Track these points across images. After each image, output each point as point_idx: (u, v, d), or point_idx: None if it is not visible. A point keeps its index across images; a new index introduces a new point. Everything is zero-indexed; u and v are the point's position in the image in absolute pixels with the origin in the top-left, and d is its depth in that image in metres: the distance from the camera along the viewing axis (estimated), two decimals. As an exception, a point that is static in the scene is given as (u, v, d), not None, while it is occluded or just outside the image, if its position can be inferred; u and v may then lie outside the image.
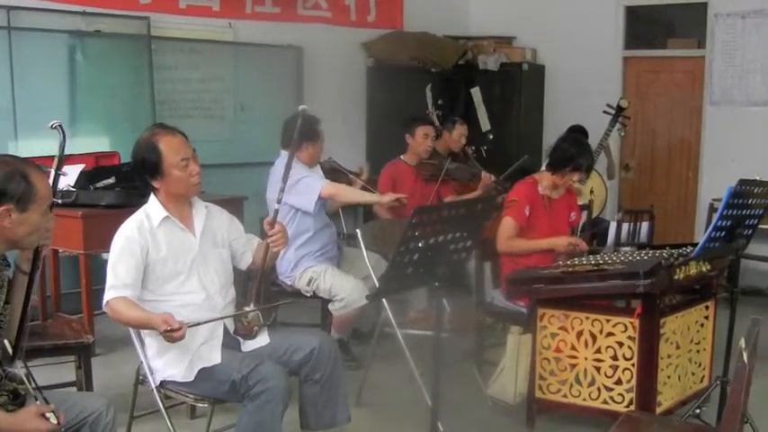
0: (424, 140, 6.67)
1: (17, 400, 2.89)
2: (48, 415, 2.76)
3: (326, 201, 5.46)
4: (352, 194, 5.64)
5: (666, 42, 9.26)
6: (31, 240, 2.94)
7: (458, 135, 7.38)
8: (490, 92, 9.30)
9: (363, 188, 5.83)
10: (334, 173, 5.98)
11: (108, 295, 3.56)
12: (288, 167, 4.00)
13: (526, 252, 5.13)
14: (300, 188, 5.25)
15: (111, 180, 5.93)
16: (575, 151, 5.12)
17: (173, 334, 3.33)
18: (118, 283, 3.55)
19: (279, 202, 3.93)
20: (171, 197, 3.72)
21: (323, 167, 5.80)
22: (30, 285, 3.08)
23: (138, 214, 3.72)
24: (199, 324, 3.52)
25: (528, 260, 5.09)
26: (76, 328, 4.64)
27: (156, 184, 3.69)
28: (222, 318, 3.70)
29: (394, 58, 9.22)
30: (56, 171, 3.14)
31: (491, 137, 9.23)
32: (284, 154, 5.38)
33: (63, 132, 3.28)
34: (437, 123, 7.58)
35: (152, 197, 3.75)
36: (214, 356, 3.63)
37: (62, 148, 3.24)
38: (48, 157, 6.49)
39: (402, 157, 6.79)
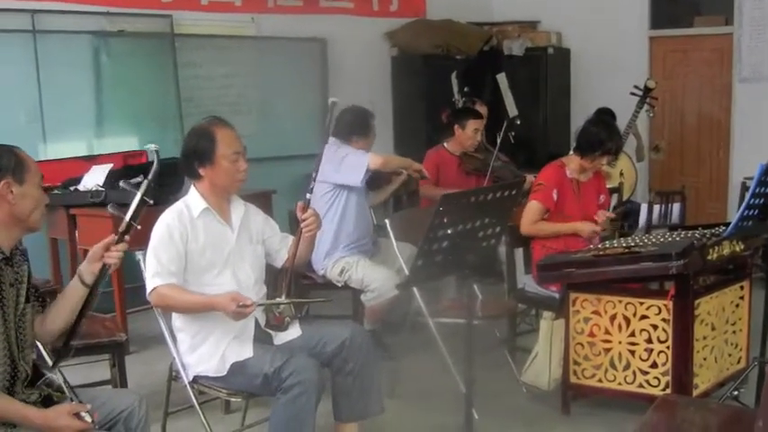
0: (474, 135, 6.67)
1: (47, 405, 2.90)
2: (82, 414, 2.78)
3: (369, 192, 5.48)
4: (398, 160, 5.66)
5: (693, 20, 9.14)
6: (35, 217, 2.93)
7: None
8: (516, 77, 9.20)
9: (396, 192, 5.85)
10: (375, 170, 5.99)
11: (153, 282, 3.57)
12: (318, 160, 4.00)
13: (549, 235, 5.11)
14: (348, 163, 5.27)
15: (140, 179, 5.92)
16: (604, 135, 5.07)
17: (245, 309, 3.41)
18: (163, 270, 3.56)
19: (311, 192, 3.91)
20: (214, 189, 3.74)
21: None
22: (89, 300, 3.07)
23: (178, 204, 3.74)
24: (265, 304, 3.66)
25: (558, 245, 5.06)
26: (110, 326, 4.66)
27: (203, 171, 3.70)
28: (276, 302, 3.71)
29: (418, 46, 9.19)
30: (142, 196, 3.06)
31: (518, 122, 9.16)
32: (332, 140, 5.41)
33: (158, 158, 3.20)
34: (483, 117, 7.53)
35: (192, 189, 3.77)
36: (246, 350, 3.63)
37: (154, 173, 3.14)
38: (76, 158, 6.65)
39: (445, 144, 6.77)
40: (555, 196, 5.07)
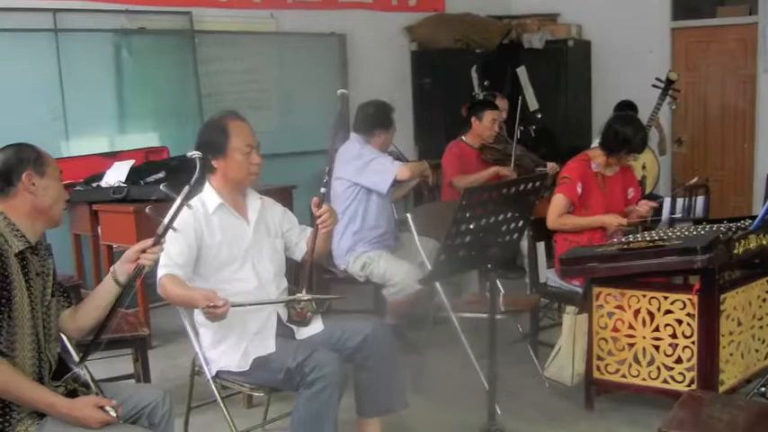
0: (492, 125, 6.67)
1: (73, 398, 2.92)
2: (107, 408, 2.80)
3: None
4: (419, 167, 5.59)
5: (716, 10, 9.08)
6: (56, 210, 2.99)
7: (500, 108, 7.32)
8: (536, 70, 9.18)
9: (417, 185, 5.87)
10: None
11: (159, 273, 3.57)
12: (331, 153, 3.99)
13: (576, 229, 5.08)
14: (374, 168, 5.29)
15: (161, 174, 5.96)
16: (630, 133, 5.03)
17: (215, 310, 3.29)
18: (170, 262, 3.55)
19: (325, 186, 3.90)
20: (227, 183, 3.74)
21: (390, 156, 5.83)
22: (121, 298, 3.09)
23: (194, 201, 3.73)
24: (243, 305, 3.50)
25: (581, 238, 5.03)
26: (132, 321, 4.69)
27: (216, 163, 3.70)
28: (270, 302, 3.68)
29: (437, 41, 9.18)
30: (182, 201, 3.09)
31: (539, 116, 9.13)
32: (354, 137, 5.47)
33: (200, 165, 3.23)
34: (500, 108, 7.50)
35: (207, 185, 3.77)
36: (268, 345, 3.63)
37: (195, 181, 3.16)
38: (98, 155, 6.68)
39: (464, 138, 6.77)
40: (579, 190, 5.04)
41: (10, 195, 2.91)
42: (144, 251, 3.07)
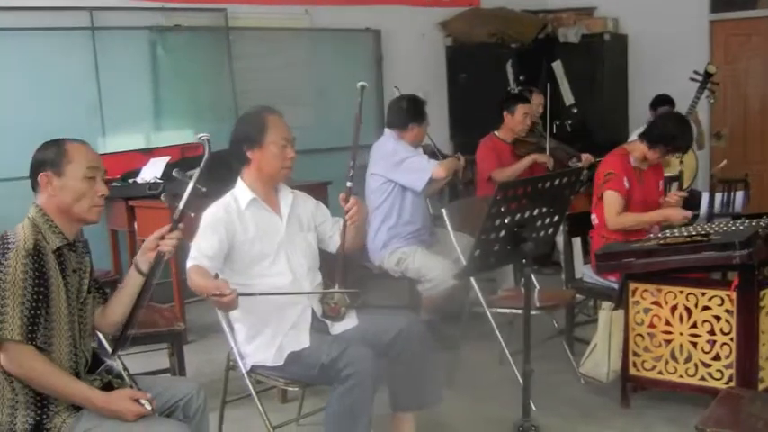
0: (524, 119, 6.64)
1: (109, 391, 2.94)
2: (142, 401, 2.83)
3: None
4: (454, 164, 5.57)
5: (756, 2, 8.96)
6: (82, 207, 2.96)
7: (536, 104, 7.29)
8: (572, 65, 9.12)
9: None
10: (433, 157, 5.98)
11: (187, 264, 3.58)
12: (355, 145, 3.98)
13: (638, 227, 5.00)
14: (409, 166, 5.32)
15: (197, 170, 5.98)
16: (676, 132, 4.99)
17: (221, 299, 3.26)
18: (198, 254, 3.56)
19: (350, 179, 3.90)
20: (261, 177, 3.74)
21: (424, 151, 5.82)
22: (146, 288, 3.10)
23: (226, 197, 3.75)
24: (253, 294, 3.49)
25: (618, 234, 4.98)
26: (168, 316, 4.72)
27: (251, 155, 3.70)
28: (281, 293, 3.65)
29: (472, 35, 9.15)
30: (194, 183, 3.10)
31: (575, 111, 9.07)
32: (388, 132, 5.49)
33: (209, 147, 3.22)
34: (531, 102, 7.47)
35: (239, 182, 3.78)
36: (303, 340, 3.63)
37: (206, 162, 3.17)
38: (134, 151, 6.73)
39: (496, 133, 6.75)
40: (626, 184, 4.99)
41: (38, 193, 2.95)
42: (163, 238, 3.09)
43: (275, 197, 3.83)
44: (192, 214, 3.13)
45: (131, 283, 3.14)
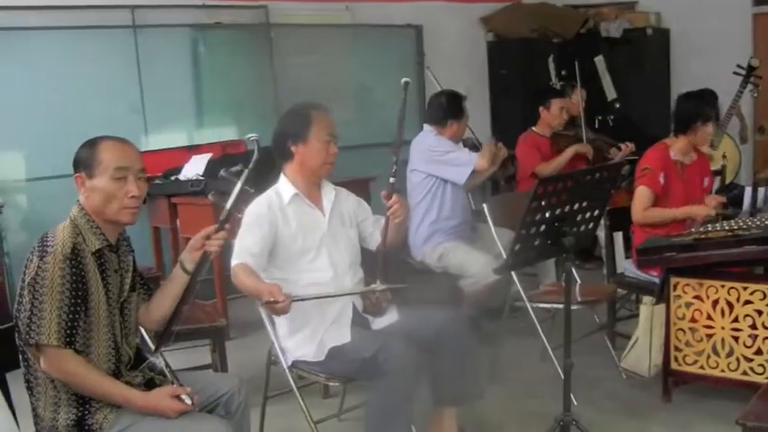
0: (560, 114, 6.64)
1: (150, 388, 2.99)
2: (183, 397, 2.86)
3: None
4: (497, 154, 5.57)
5: (799, -5, 8.86)
6: (112, 209, 2.93)
7: (577, 99, 7.26)
8: (614, 60, 9.07)
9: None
10: (474, 150, 6.00)
11: (232, 262, 3.62)
12: (398, 141, 3.99)
13: (663, 221, 4.99)
14: (450, 160, 5.37)
15: (239, 167, 6.04)
16: (697, 103, 4.97)
17: (275, 305, 3.31)
18: (243, 252, 3.60)
19: (394, 175, 3.92)
20: (303, 172, 3.78)
21: (465, 144, 5.83)
22: (191, 287, 3.14)
23: (269, 192, 3.78)
24: (304, 299, 3.50)
25: (659, 229, 4.96)
26: (210, 312, 4.77)
27: (294, 149, 3.74)
28: (336, 295, 3.69)
29: (514, 31, 9.14)
30: (242, 184, 3.12)
31: (617, 106, 9.02)
32: (427, 128, 5.54)
33: (259, 147, 3.23)
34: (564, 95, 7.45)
35: (282, 177, 3.82)
36: (344, 335, 3.65)
37: (254, 163, 3.18)
38: (176, 148, 6.80)
39: (534, 128, 6.75)
40: (662, 180, 4.97)
41: (80, 194, 2.97)
42: (209, 238, 3.11)
43: (318, 193, 3.86)
44: (240, 215, 3.15)
45: (176, 281, 3.16)
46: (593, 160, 6.74)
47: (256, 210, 3.69)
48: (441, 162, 5.34)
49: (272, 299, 3.30)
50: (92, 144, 2.94)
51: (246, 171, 3.15)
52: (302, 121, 3.73)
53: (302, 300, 3.48)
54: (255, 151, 3.23)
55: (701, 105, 4.96)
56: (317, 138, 3.72)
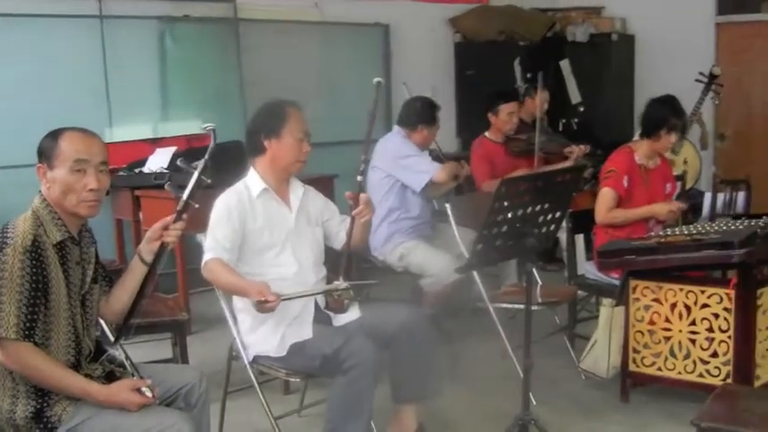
0: (510, 119, 6.55)
1: (111, 380, 2.97)
2: (143, 389, 2.84)
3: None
4: (454, 168, 5.59)
5: (761, 6, 8.97)
6: (70, 202, 2.90)
7: (541, 101, 7.28)
8: (579, 64, 9.13)
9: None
10: (437, 161, 6.01)
11: (206, 256, 3.63)
12: (368, 140, 4.01)
13: (626, 222, 5.04)
14: (410, 165, 5.36)
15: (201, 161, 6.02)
16: (666, 111, 5.02)
17: (265, 305, 3.36)
18: (217, 246, 3.61)
19: (361, 174, 3.94)
20: (273, 168, 3.78)
21: (430, 155, 5.85)
22: (149, 278, 3.12)
23: (238, 185, 3.79)
24: (292, 298, 3.54)
25: (621, 231, 5.02)
26: (172, 306, 4.76)
27: (267, 144, 3.74)
28: (316, 293, 3.72)
29: (481, 32, 9.18)
30: (199, 174, 3.08)
31: (581, 109, 9.09)
32: (396, 129, 5.55)
33: (215, 137, 3.21)
34: (521, 99, 7.47)
35: (251, 171, 3.82)
36: (305, 331, 3.66)
37: (211, 152, 3.14)
38: (141, 141, 6.77)
39: (487, 134, 6.70)
40: (626, 183, 5.02)
41: (42, 185, 2.94)
42: (167, 228, 3.09)
43: (286, 189, 3.87)
44: (197, 205, 3.14)
45: (135, 272, 3.14)
46: (550, 162, 6.78)
47: (226, 201, 3.70)
48: (400, 166, 5.34)
49: (262, 298, 3.34)
50: (54, 135, 2.91)
51: (203, 161, 3.12)
52: (277, 116, 3.74)
53: (290, 299, 3.52)
54: (212, 141, 3.21)
55: (670, 114, 5.01)
56: (291, 134, 3.73)
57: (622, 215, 5.03)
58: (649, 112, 5.10)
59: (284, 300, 3.44)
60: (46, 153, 2.90)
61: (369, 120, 4.05)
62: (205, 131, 3.22)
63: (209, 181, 3.13)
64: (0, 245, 2.78)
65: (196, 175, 3.10)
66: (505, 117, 6.51)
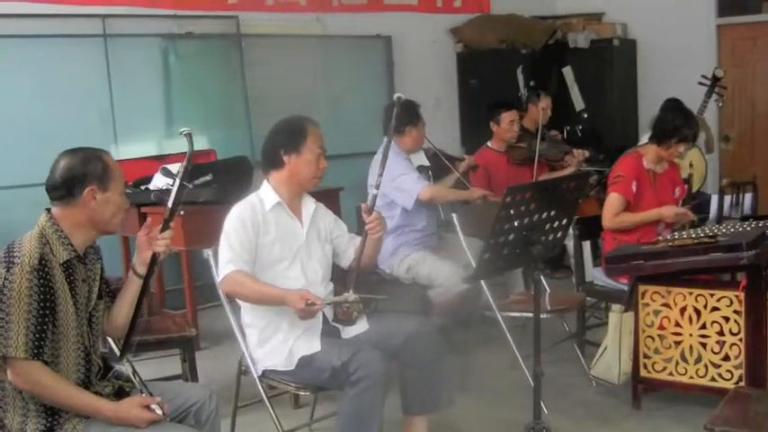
0: (511, 127, 6.59)
1: (120, 397, 2.98)
2: (153, 407, 2.85)
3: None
4: (447, 194, 5.63)
5: (762, 6, 8.97)
6: (115, 222, 3.02)
7: (544, 107, 7.29)
8: (582, 70, 9.15)
9: (458, 181, 5.90)
10: (436, 159, 6.00)
11: (227, 269, 3.62)
12: (385, 155, 4.01)
13: (633, 226, 5.05)
14: (400, 184, 5.34)
15: (209, 177, 6.02)
16: (680, 121, 5.03)
17: (312, 308, 3.44)
18: (237, 258, 3.62)
19: (377, 187, 3.95)
20: (289, 182, 3.80)
21: (426, 154, 5.83)
22: (144, 290, 3.14)
23: (252, 197, 3.80)
24: (333, 302, 3.66)
25: (629, 237, 5.01)
26: (180, 322, 4.76)
27: (287, 159, 3.76)
28: (344, 300, 3.72)
29: (483, 42, 9.18)
30: (180, 180, 3.12)
31: (585, 116, 9.10)
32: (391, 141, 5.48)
33: (191, 141, 3.21)
34: (523, 106, 7.47)
35: (265, 184, 3.84)
36: (314, 344, 3.65)
37: (189, 158, 3.17)
38: (146, 158, 6.77)
39: (489, 144, 6.73)
40: (634, 188, 5.02)
41: (69, 205, 2.93)
42: (149, 233, 3.13)
43: (298, 204, 3.88)
44: (182, 212, 3.16)
45: (131, 287, 3.17)
46: (553, 169, 6.80)
47: (240, 214, 3.71)
48: (394, 186, 5.31)
49: (309, 301, 3.43)
50: (99, 158, 2.96)
51: (182, 165, 3.15)
52: (298, 132, 3.77)
53: (329, 303, 3.67)
54: (190, 146, 3.21)
55: (683, 124, 5.02)
56: (311, 151, 3.75)
57: (629, 219, 5.03)
58: (663, 120, 5.11)
59: (327, 304, 3.56)
60: (99, 176, 2.93)
61: (387, 136, 4.09)
62: (183, 135, 3.23)
63: (190, 186, 3.16)
64: (7, 264, 2.79)
65: (177, 180, 3.13)
66: (507, 125, 6.56)
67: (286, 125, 3.85)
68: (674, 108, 5.26)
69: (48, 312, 2.80)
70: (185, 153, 3.19)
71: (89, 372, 2.98)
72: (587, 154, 6.68)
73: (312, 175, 3.79)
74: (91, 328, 3.01)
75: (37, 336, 2.76)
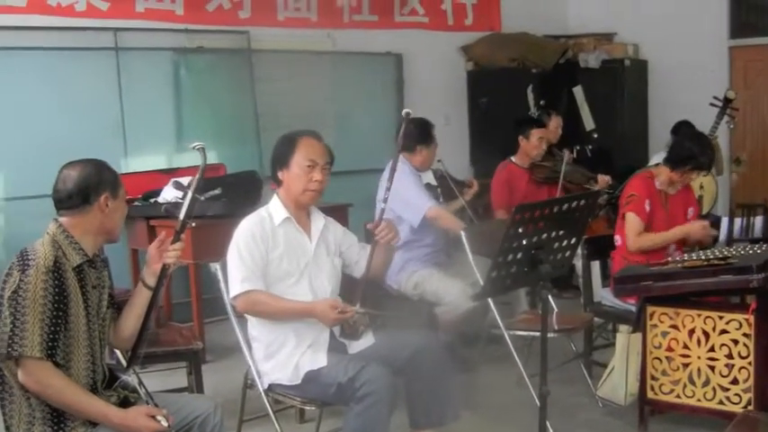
0: (540, 144, 6.64)
1: (125, 407, 2.98)
2: (158, 418, 2.86)
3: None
4: (449, 221, 5.54)
5: (774, 28, 8.99)
6: (120, 228, 3.13)
7: (554, 126, 7.30)
8: (593, 90, 9.16)
9: (461, 208, 5.98)
10: (443, 181, 5.99)
11: (242, 287, 3.62)
12: (392, 170, 4.00)
13: (659, 245, 5.03)
14: (407, 200, 5.32)
15: (218, 191, 6.04)
16: (696, 150, 5.02)
17: (344, 316, 3.50)
18: (252, 276, 3.62)
19: (384, 201, 3.94)
20: (288, 198, 3.80)
21: (434, 174, 5.83)
22: (153, 301, 3.16)
23: (261, 211, 3.81)
24: (366, 313, 3.69)
25: (640, 257, 4.99)
26: (187, 335, 4.76)
27: (281, 175, 3.78)
28: (371, 312, 3.77)
29: (493, 60, 9.19)
30: (193, 193, 3.14)
31: (595, 135, 9.09)
32: (402, 159, 5.47)
33: (204, 155, 3.21)
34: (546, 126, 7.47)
35: (274, 198, 3.84)
36: (320, 359, 3.65)
37: (202, 171, 3.19)
38: (156, 171, 6.79)
39: (513, 159, 6.75)
40: (647, 207, 5.01)
41: (82, 213, 2.98)
42: (163, 247, 3.16)
43: (307, 219, 3.88)
44: (194, 224, 3.18)
45: (140, 298, 3.19)
46: (572, 191, 6.77)
47: (250, 228, 3.71)
48: (398, 199, 5.27)
49: (338, 309, 3.52)
50: (110, 168, 3.07)
51: (195, 179, 3.18)
52: (287, 146, 3.77)
53: (360, 312, 3.67)
54: (202, 159, 3.21)
55: (699, 153, 5.02)
56: (297, 164, 3.74)
57: (655, 239, 5.02)
58: (679, 146, 5.11)
59: (360, 313, 3.61)
60: (112, 184, 3.03)
61: (397, 150, 4.09)
62: (196, 149, 3.23)
63: (202, 198, 3.19)
64: (22, 266, 2.84)
65: (190, 193, 3.15)
66: (536, 142, 6.61)
67: (280, 140, 3.86)
68: (692, 135, 5.26)
69: (60, 314, 2.83)
70: (195, 167, 3.21)
71: (95, 379, 3.00)
72: (611, 181, 6.68)
73: (302, 188, 3.75)
74: (100, 335, 3.04)
75: (50, 336, 2.79)
